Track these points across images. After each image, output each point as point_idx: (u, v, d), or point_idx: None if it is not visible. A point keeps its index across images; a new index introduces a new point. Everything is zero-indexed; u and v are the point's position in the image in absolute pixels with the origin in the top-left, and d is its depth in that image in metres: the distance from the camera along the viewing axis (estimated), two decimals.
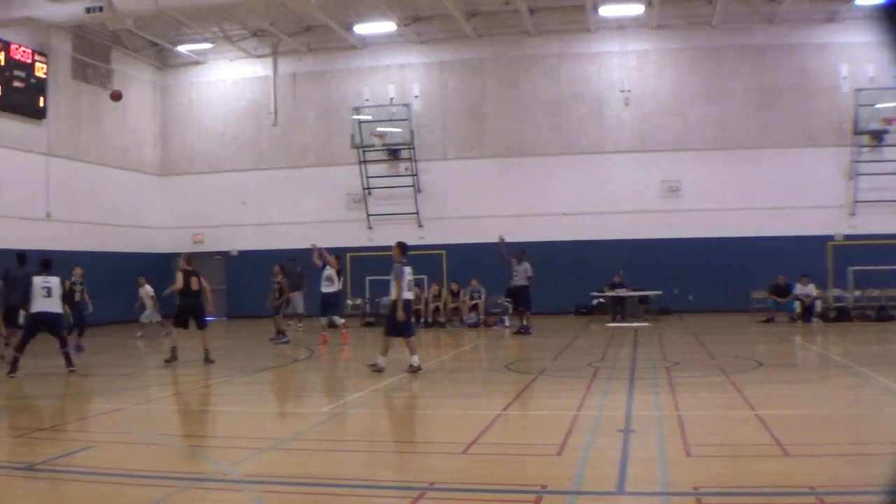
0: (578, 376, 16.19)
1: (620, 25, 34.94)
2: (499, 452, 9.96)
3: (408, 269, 17.49)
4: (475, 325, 30.10)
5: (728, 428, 11.17)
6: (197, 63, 38.84)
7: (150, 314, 27.93)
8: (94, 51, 34.74)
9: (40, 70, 30.97)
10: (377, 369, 17.08)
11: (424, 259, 30.68)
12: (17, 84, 29.91)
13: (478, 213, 35.12)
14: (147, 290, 27.83)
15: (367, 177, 36.41)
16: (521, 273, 27.02)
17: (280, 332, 25.50)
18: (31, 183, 30.88)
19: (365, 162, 36.38)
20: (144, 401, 15.24)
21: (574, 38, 35.49)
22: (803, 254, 31.24)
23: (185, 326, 20.03)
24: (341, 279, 25.73)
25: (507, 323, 29.53)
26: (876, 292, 30.27)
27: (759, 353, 20.82)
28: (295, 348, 23.85)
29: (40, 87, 31.03)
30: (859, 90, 32.67)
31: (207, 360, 19.61)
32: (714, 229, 33.42)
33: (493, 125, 36.10)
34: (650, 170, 34.52)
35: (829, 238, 31.89)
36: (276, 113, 38.10)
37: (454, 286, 31.39)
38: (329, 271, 24.51)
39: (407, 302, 17.46)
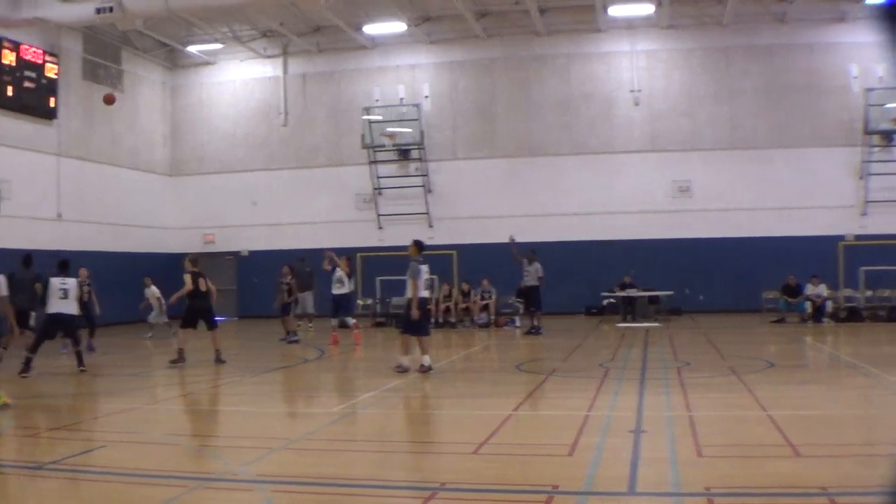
0: (589, 377, 16.18)
1: (630, 25, 34.89)
2: (510, 453, 9.95)
3: (424, 268, 17.42)
4: (486, 326, 30.10)
5: (739, 428, 11.16)
6: (207, 63, 38.90)
7: (157, 315, 27.90)
8: (104, 51, 34.80)
9: (51, 71, 31.03)
10: (402, 370, 17.04)
11: (435, 259, 30.44)
12: (27, 84, 29.97)
13: (488, 214, 35.10)
14: (153, 290, 27.75)
15: (378, 177, 36.44)
16: (532, 273, 27.00)
17: (290, 333, 25.51)
18: (42, 183, 30.94)
19: (375, 162, 36.41)
20: (155, 401, 15.29)
21: (584, 38, 35.46)
22: (814, 254, 31.15)
23: (194, 327, 20.03)
24: (352, 280, 25.70)
25: (517, 323, 29.50)
26: (887, 292, 30.16)
27: (769, 353, 20.78)
28: (305, 348, 23.86)
29: (51, 87, 31.09)
30: (870, 90, 32.56)
31: (218, 361, 19.62)
32: (725, 229, 33.36)
33: (504, 125, 36.09)
34: (660, 170, 34.48)
35: (840, 238, 31.82)
36: (286, 113, 38.14)
37: (465, 286, 31.38)
38: (339, 273, 24.51)
39: (423, 300, 17.44)
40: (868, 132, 32.72)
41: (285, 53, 38.08)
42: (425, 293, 17.67)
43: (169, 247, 37.19)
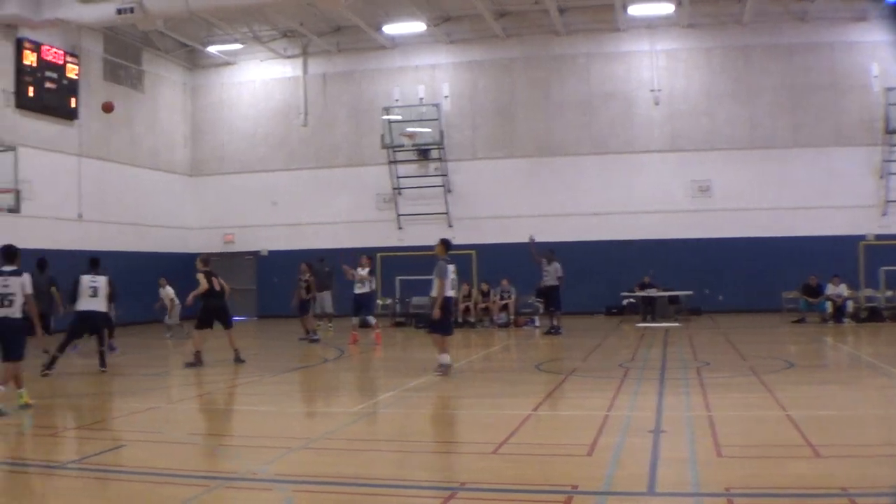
0: (609, 376, 16.15)
1: (650, 25, 34.84)
2: (529, 453, 9.94)
3: (451, 268, 17.35)
4: (505, 326, 30.09)
5: (759, 428, 11.12)
6: (227, 64, 39.03)
7: (170, 316, 27.86)
8: (125, 52, 34.97)
9: (72, 71, 31.19)
10: (444, 368, 17.07)
11: (454, 259, 30.54)
12: (49, 85, 30.14)
13: (508, 213, 35.10)
14: (168, 291, 27.67)
15: (397, 177, 36.51)
16: (552, 273, 26.94)
17: (309, 332, 25.55)
18: (63, 183, 31.11)
19: (395, 162, 36.47)
20: (175, 400, 15.37)
21: (604, 37, 35.44)
22: (834, 254, 31.01)
23: (210, 327, 20.04)
24: (373, 280, 25.70)
25: (537, 323, 29.51)
26: None
27: (789, 353, 20.71)
28: (325, 348, 23.88)
29: (72, 88, 31.25)
30: (890, 89, 32.46)
31: (238, 360, 19.62)
32: (745, 229, 33.27)
33: (523, 125, 36.08)
34: (680, 170, 34.41)
35: (861, 238, 31.67)
36: (306, 113, 38.23)
37: (484, 286, 31.38)
38: (361, 272, 24.49)
39: (449, 300, 17.43)
40: (889, 131, 32.60)
41: (305, 53, 38.17)
42: (451, 293, 17.63)
43: (189, 247, 37.24)
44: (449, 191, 36.15)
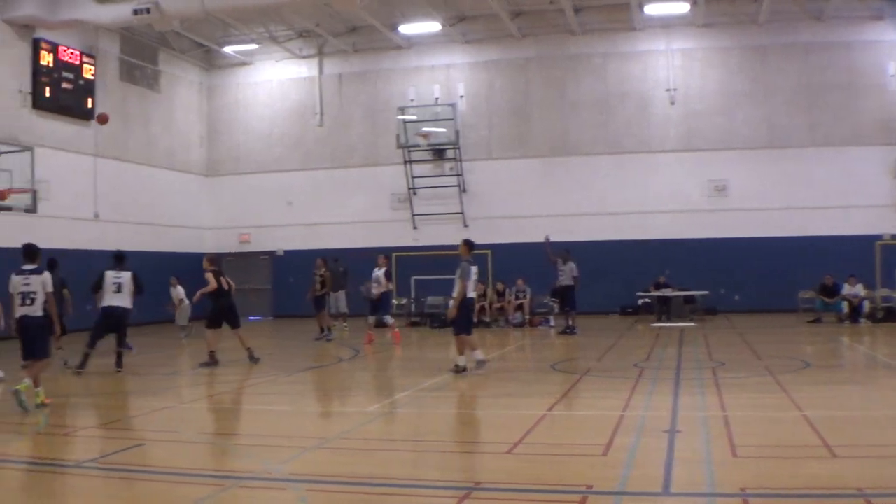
0: (624, 376, 16.15)
1: (666, 24, 34.74)
2: (544, 452, 9.95)
3: (474, 269, 17.25)
4: (520, 325, 30.09)
5: (775, 429, 11.09)
6: (243, 64, 39.10)
7: (180, 316, 27.89)
8: (141, 52, 35.07)
9: (88, 72, 31.29)
10: (481, 368, 17.06)
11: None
12: (65, 85, 30.23)
13: (523, 213, 35.04)
14: (178, 291, 27.71)
15: (413, 177, 36.49)
16: (567, 273, 26.93)
17: (323, 330, 25.59)
18: (80, 183, 31.20)
19: (410, 162, 36.45)
20: (190, 399, 15.42)
21: (619, 36, 35.36)
22: (851, 253, 30.94)
23: (220, 327, 20.09)
24: (389, 280, 25.69)
25: (552, 323, 29.47)
26: None
27: (805, 353, 20.67)
28: (340, 348, 23.93)
29: (88, 88, 31.35)
30: None
31: (252, 359, 19.64)
32: (761, 229, 33.16)
33: (539, 125, 36.05)
34: (696, 169, 34.30)
35: (878, 238, 31.60)
36: (321, 113, 38.26)
37: (500, 286, 31.36)
38: (377, 272, 24.47)
39: (469, 301, 17.44)
40: None
41: (321, 54, 38.21)
42: (472, 294, 17.64)
43: (205, 247, 37.28)
44: (464, 190, 36.14)
